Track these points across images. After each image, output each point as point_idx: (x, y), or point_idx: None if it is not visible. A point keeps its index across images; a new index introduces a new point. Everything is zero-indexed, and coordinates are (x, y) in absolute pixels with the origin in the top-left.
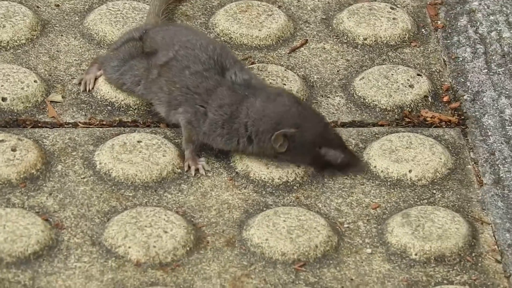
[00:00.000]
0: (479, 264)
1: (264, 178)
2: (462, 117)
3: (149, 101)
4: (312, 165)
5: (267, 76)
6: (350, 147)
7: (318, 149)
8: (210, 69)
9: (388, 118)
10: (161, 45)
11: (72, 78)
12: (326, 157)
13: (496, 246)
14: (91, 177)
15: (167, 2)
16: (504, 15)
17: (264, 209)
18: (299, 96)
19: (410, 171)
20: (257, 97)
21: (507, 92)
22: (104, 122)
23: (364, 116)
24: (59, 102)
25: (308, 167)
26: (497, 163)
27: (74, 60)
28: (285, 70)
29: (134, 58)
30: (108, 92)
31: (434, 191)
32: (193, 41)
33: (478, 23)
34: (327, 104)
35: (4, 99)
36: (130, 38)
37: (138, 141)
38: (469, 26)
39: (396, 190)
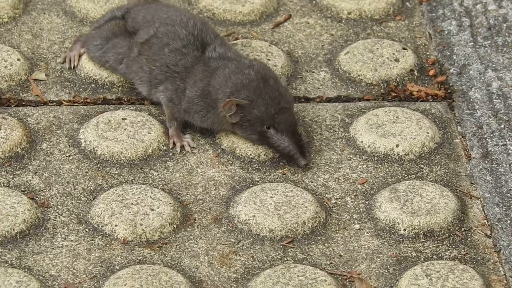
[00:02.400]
0: (469, 239)
1: (250, 155)
2: (449, 91)
3: (131, 80)
4: (260, 144)
5: (251, 52)
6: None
7: (267, 129)
8: (189, 45)
9: (374, 92)
10: (142, 23)
11: (55, 56)
12: (271, 139)
13: (485, 221)
14: (76, 155)
15: None
16: None
17: (251, 185)
18: (273, 72)
19: (397, 145)
20: (226, 68)
21: (493, 65)
22: (88, 100)
23: (349, 91)
24: (43, 80)
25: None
26: (485, 136)
27: (57, 38)
28: (269, 45)
29: (117, 36)
30: (92, 69)
31: (422, 166)
32: (173, 17)
33: None
34: (312, 79)
35: None
36: (112, 16)
37: (123, 119)
38: None
39: (383, 165)
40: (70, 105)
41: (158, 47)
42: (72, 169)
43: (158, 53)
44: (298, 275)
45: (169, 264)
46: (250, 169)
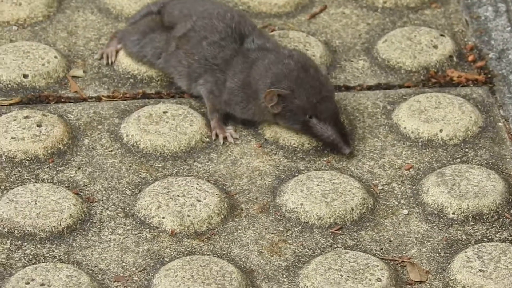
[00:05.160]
0: None
1: (294, 144)
2: (489, 76)
3: (170, 75)
4: (303, 133)
5: (288, 43)
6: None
7: (309, 118)
8: (227, 37)
9: (414, 79)
10: (179, 18)
11: (92, 53)
12: (314, 128)
13: None
14: (119, 150)
15: None
16: None
17: (296, 174)
18: (313, 61)
19: (441, 130)
20: (265, 59)
21: None
22: (127, 95)
23: (389, 79)
24: (81, 77)
25: None
26: None
27: (93, 35)
28: (306, 36)
29: (154, 31)
30: (130, 65)
31: (467, 150)
32: (210, 11)
33: None
34: (351, 68)
35: (25, 76)
36: (148, 11)
37: (164, 112)
38: None
39: (428, 150)
40: (110, 100)
41: (196, 40)
42: (116, 164)
43: (196, 47)
44: (349, 261)
45: (218, 254)
46: (295, 158)
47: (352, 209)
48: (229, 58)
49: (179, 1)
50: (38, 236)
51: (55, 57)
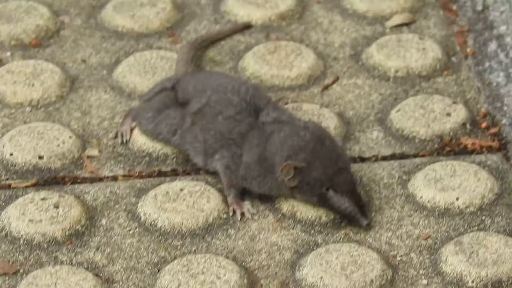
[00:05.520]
0: None
1: (311, 217)
2: (503, 142)
3: (185, 152)
4: (320, 206)
5: (302, 115)
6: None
7: (326, 190)
8: (243, 111)
9: (428, 148)
10: (194, 93)
11: (106, 132)
12: (331, 201)
13: None
14: (137, 229)
15: (196, 49)
16: None
17: (314, 248)
18: (328, 133)
19: (457, 198)
20: (281, 132)
21: None
22: (143, 173)
23: (404, 148)
24: (96, 157)
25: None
26: None
27: (107, 114)
28: (320, 108)
29: (168, 107)
30: (145, 143)
31: (483, 217)
32: (225, 85)
33: (508, 47)
34: (365, 138)
35: (41, 157)
36: (162, 88)
37: (181, 189)
38: (499, 50)
39: (445, 219)
40: (126, 179)
41: (211, 115)
42: (134, 243)
43: (211, 122)
44: None
45: None
46: (313, 231)
47: (372, 281)
48: (244, 132)
49: (193, 76)
50: None
51: (70, 137)
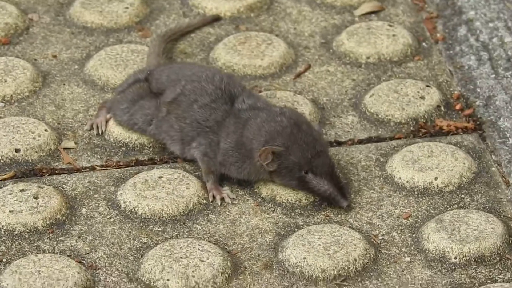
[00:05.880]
0: None
1: (291, 200)
2: (478, 123)
3: (161, 141)
4: (300, 189)
5: (277, 103)
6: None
7: (305, 174)
8: (218, 99)
9: (404, 130)
10: (168, 83)
11: (81, 125)
12: (310, 184)
13: None
14: (117, 217)
15: (166, 41)
16: (503, 21)
17: (296, 230)
18: (305, 118)
19: (436, 178)
20: (258, 118)
21: None
22: (121, 163)
23: (379, 132)
24: (73, 149)
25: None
26: None
27: (81, 106)
28: (293, 95)
29: (143, 98)
30: (121, 133)
31: (463, 196)
32: (199, 74)
33: (478, 31)
34: (341, 123)
35: (17, 150)
36: (135, 79)
37: (159, 177)
38: (469, 35)
39: (424, 198)
40: (104, 169)
41: (187, 104)
42: (115, 230)
43: (187, 110)
44: None
45: None
46: (293, 214)
47: (355, 260)
48: (221, 120)
49: (166, 67)
50: None
51: (45, 130)
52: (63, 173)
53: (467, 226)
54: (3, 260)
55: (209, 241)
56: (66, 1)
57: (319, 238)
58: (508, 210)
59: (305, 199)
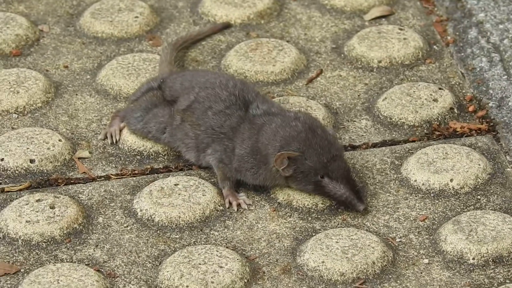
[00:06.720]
0: None
1: (308, 205)
2: (491, 124)
3: (176, 149)
4: (316, 194)
5: (290, 108)
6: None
7: (321, 178)
8: (232, 105)
9: (418, 133)
10: (181, 91)
11: (95, 134)
12: (326, 188)
13: None
14: (134, 225)
15: (177, 49)
16: None
17: (313, 234)
18: (319, 122)
19: (451, 180)
20: (272, 123)
21: None
22: (136, 172)
23: (393, 135)
24: (87, 158)
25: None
26: None
27: (94, 116)
28: (307, 100)
29: (156, 106)
30: (135, 142)
31: (479, 197)
32: (212, 81)
33: (489, 33)
34: (355, 127)
35: (32, 161)
36: (148, 88)
37: (175, 184)
38: (480, 37)
39: (440, 200)
40: (119, 178)
41: (201, 111)
42: (133, 239)
43: (201, 118)
44: None
45: None
46: (310, 218)
47: (374, 263)
48: (235, 126)
49: (179, 74)
50: None
51: (59, 140)
52: (79, 183)
53: (484, 227)
54: (21, 270)
55: (227, 247)
56: (76, 12)
57: (337, 242)
58: None
59: (322, 204)
